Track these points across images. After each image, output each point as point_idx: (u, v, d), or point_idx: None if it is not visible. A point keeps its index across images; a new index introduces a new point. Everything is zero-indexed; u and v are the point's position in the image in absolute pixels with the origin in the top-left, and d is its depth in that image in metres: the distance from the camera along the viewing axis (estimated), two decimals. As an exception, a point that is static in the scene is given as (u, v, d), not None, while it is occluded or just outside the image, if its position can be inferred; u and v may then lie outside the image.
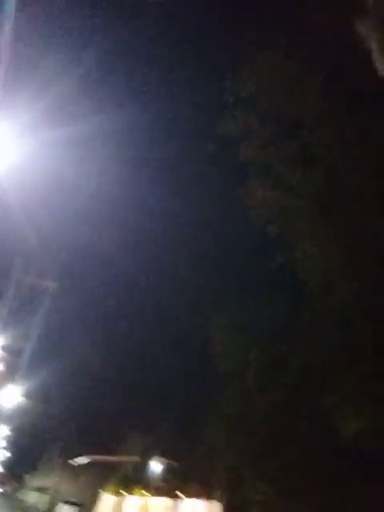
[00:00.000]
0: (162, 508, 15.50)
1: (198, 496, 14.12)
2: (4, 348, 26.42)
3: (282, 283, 13.70)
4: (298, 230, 12.33)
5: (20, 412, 41.02)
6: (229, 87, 12.04)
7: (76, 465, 35.23)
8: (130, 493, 21.06)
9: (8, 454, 64.78)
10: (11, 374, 35.56)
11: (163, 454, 23.90)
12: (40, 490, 46.38)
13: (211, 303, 20.89)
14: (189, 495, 14.60)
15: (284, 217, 12.46)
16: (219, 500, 12.50)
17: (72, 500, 33.13)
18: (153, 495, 17.19)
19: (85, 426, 34.66)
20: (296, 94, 12.08)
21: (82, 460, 32.51)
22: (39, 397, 39.25)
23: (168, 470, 21.22)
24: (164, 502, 15.59)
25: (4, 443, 57.08)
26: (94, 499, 33.64)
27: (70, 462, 37.33)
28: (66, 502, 32.79)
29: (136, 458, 24.61)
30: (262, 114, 12.53)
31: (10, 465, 67.80)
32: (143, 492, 20.39)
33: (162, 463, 23.08)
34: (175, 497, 14.95)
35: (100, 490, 32.31)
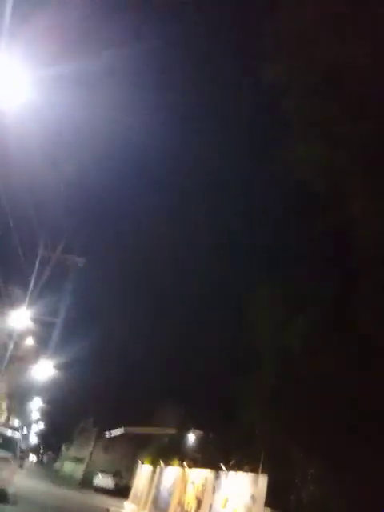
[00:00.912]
0: (202, 479, 15.15)
1: (239, 468, 13.68)
2: (35, 321, 26.40)
3: (331, 249, 12.66)
4: (347, 188, 11.24)
5: (53, 385, 41.84)
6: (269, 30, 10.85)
7: (110, 436, 35.83)
8: (168, 463, 21.00)
9: (43, 426, 67.06)
10: (43, 348, 36.01)
11: (199, 427, 23.70)
12: (75, 459, 47.80)
13: (251, 273, 20.11)
14: (230, 468, 14.18)
15: (332, 173, 11.37)
16: (262, 472, 11.96)
17: (109, 469, 33.82)
18: (191, 466, 16.91)
19: (119, 399, 35.02)
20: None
21: (117, 431, 32.92)
22: (72, 370, 39.81)
23: (205, 442, 20.99)
24: (204, 473, 15.23)
25: (38, 415, 58.85)
26: (129, 469, 34.25)
27: (104, 433, 38.05)
28: (102, 471, 33.50)
29: (172, 430, 24.52)
30: (306, 60, 11.34)
31: (45, 436, 70.32)
32: (181, 463, 20.29)
33: (199, 435, 22.89)
34: (216, 468, 14.55)
35: (136, 461, 32.85)
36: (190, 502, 15.30)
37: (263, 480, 11.58)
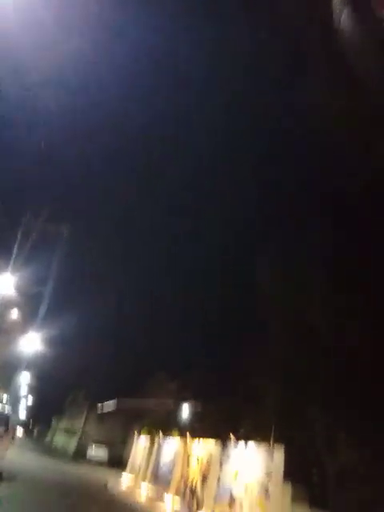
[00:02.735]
0: (206, 451, 14.22)
1: (249, 438, 12.78)
2: (20, 291, 24.93)
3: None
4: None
5: (42, 358, 40.77)
6: None
7: (102, 408, 35.17)
8: (166, 435, 20.20)
9: (32, 400, 66.47)
10: (30, 320, 34.69)
11: (197, 396, 22.94)
12: (67, 432, 47.31)
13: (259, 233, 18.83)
14: (238, 438, 13.28)
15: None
16: (277, 442, 11.01)
17: (102, 441, 33.21)
18: (193, 438, 16.01)
19: (110, 370, 34.14)
20: None
21: (109, 404, 32.19)
22: (60, 342, 38.68)
23: (205, 412, 20.25)
24: (208, 444, 14.31)
25: (27, 389, 58.11)
26: (124, 440, 33.68)
27: (96, 405, 37.37)
28: (96, 443, 32.91)
29: (167, 402, 23.73)
30: None
31: (34, 409, 69.85)
32: (181, 434, 19.48)
33: (198, 405, 22.16)
34: (222, 439, 13.63)
35: (130, 432, 32.25)
36: (195, 476, 14.44)
37: (279, 452, 10.61)
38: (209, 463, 13.58)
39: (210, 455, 13.99)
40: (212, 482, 13.19)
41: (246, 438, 12.94)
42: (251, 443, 12.25)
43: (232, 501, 11.65)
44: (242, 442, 12.75)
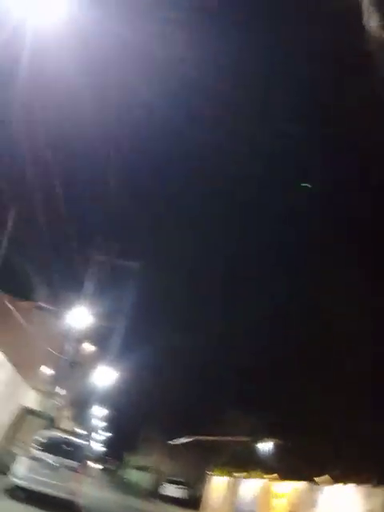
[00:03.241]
0: (292, 492, 13.15)
1: (339, 481, 11.62)
2: (93, 326, 25.46)
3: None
4: None
5: (114, 392, 41.15)
6: None
7: (176, 444, 34.39)
8: (243, 474, 19.12)
9: (105, 434, 67.03)
10: (103, 354, 35.30)
11: (273, 435, 21.67)
12: (140, 468, 46.77)
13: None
14: (326, 480, 12.15)
15: None
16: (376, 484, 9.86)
17: (177, 479, 32.26)
18: (275, 479, 14.95)
19: (184, 406, 33.53)
20: None
21: (183, 440, 31.39)
22: (133, 377, 38.89)
23: (284, 451, 18.96)
24: (294, 485, 13.24)
25: (100, 423, 58.71)
26: (197, 478, 32.52)
27: (169, 442, 36.65)
28: (170, 481, 32.02)
29: (244, 438, 22.62)
30: None
31: (108, 443, 70.26)
32: (261, 474, 18.34)
33: (276, 444, 20.85)
34: (309, 480, 12.55)
35: (204, 470, 31.10)
36: (281, 517, 13.39)
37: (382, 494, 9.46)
38: (296, 505, 12.54)
39: (298, 496, 12.94)
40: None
41: (337, 480, 11.81)
42: (349, 485, 11.12)
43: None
44: (329, 485, 11.65)
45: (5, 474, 13.54)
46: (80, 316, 20.74)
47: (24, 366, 18.36)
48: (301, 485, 12.77)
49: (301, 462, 16.57)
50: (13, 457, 14.57)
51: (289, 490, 13.55)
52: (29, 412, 17.47)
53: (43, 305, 19.95)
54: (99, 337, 33.20)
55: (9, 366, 13.87)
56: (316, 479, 12.18)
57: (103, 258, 24.28)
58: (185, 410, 33.11)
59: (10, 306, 17.24)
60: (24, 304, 18.23)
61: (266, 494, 15.15)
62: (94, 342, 34.08)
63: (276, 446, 20.70)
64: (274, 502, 14.15)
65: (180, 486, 31.34)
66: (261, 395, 23.22)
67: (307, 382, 22.12)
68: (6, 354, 14.12)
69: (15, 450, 15.60)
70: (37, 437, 13.03)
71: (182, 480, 31.94)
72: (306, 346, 25.12)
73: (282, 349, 25.54)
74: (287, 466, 17.46)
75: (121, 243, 24.80)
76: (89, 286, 22.88)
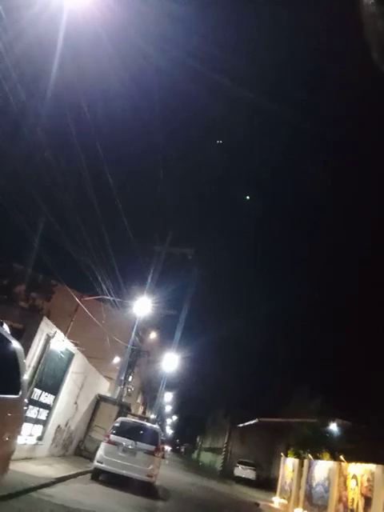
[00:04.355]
0: (366, 474, 13.00)
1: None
2: (156, 315, 26.19)
3: None
4: None
5: (181, 378, 42.30)
6: None
7: (244, 427, 34.87)
8: (315, 456, 19.10)
9: (175, 418, 69.22)
10: (168, 341, 36.32)
11: (342, 416, 21.40)
12: (211, 450, 47.97)
13: None
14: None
15: None
16: None
17: (249, 460, 32.83)
18: (348, 461, 14.83)
19: (249, 388, 33.90)
20: None
21: (250, 422, 31.78)
22: (198, 362, 39.73)
23: (356, 433, 18.68)
24: (368, 467, 13.07)
25: (170, 408, 60.68)
26: (267, 459, 32.89)
27: (237, 424, 37.25)
28: (242, 462, 32.62)
29: (312, 420, 22.52)
30: None
31: (179, 427, 72.58)
32: (333, 456, 18.26)
33: (346, 425, 20.59)
34: (380, 463, 12.34)
35: (273, 451, 31.38)
36: (355, 498, 13.31)
37: None
38: (371, 484, 12.42)
39: (373, 476, 12.78)
40: (377, 505, 12.00)
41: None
42: None
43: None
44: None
45: (90, 459, 14.59)
46: (144, 306, 21.49)
47: (96, 357, 19.46)
48: (374, 467, 12.60)
49: (373, 444, 16.31)
50: (95, 442, 15.66)
51: (361, 472, 13.42)
52: (103, 399, 18.53)
53: (109, 297, 20.83)
54: (162, 326, 34.22)
55: (82, 356, 14.79)
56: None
57: (161, 249, 24.91)
58: (252, 392, 33.46)
59: (77, 300, 18.26)
60: (91, 298, 19.23)
61: (338, 475, 15.09)
62: (159, 329, 35.20)
63: (345, 428, 20.42)
64: (347, 484, 14.08)
65: (252, 468, 31.88)
66: (331, 374, 22.93)
67: (378, 361, 21.57)
68: (79, 345, 15.08)
69: (95, 435, 16.71)
70: (114, 423, 13.88)
71: (253, 462, 32.45)
72: (377, 325, 24.39)
73: (350, 329, 24.99)
74: (358, 448, 17.25)
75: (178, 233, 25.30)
76: (152, 276, 23.44)
